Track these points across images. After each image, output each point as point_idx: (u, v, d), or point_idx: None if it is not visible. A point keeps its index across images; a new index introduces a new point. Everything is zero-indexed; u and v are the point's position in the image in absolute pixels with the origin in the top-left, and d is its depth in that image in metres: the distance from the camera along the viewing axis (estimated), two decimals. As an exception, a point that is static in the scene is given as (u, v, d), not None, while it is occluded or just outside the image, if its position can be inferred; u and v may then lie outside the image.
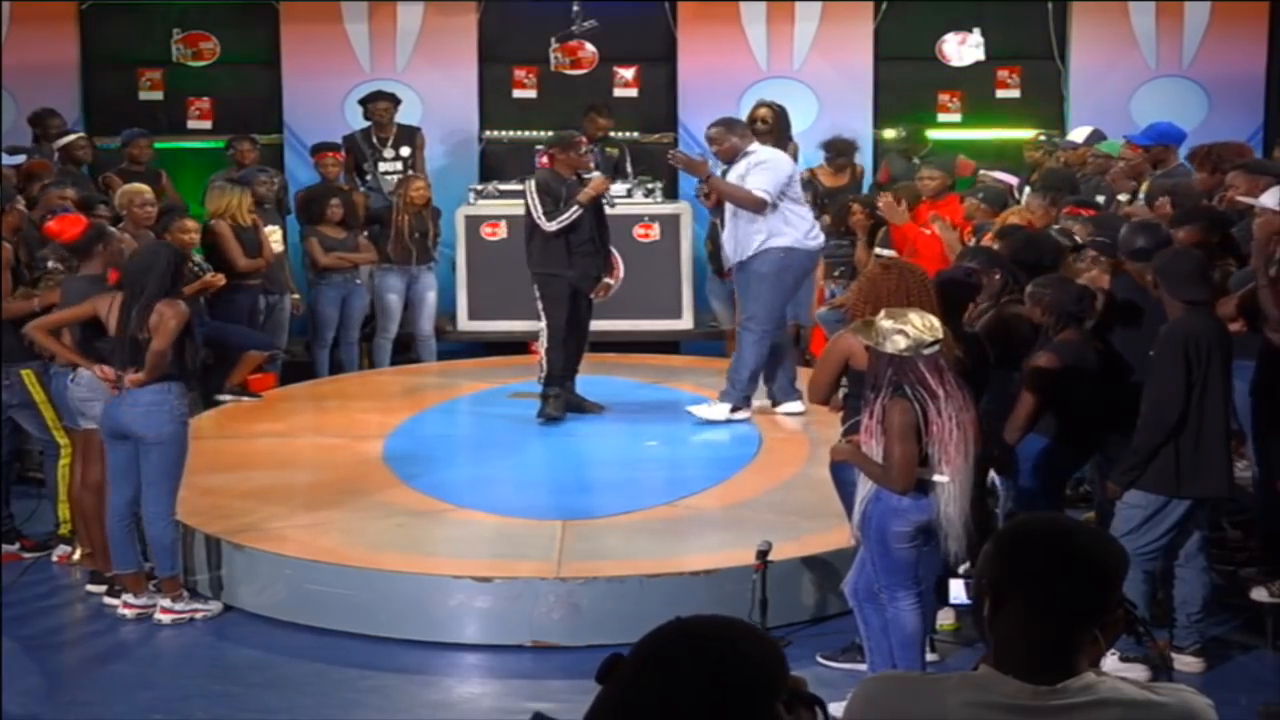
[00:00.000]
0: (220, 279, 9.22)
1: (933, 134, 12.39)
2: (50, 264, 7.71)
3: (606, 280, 9.37)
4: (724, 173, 8.97)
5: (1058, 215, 8.47)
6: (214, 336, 8.88)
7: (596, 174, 9.21)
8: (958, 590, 5.65)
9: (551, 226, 9.00)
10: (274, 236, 10.32)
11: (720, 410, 8.91)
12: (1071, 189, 9.28)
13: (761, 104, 11.70)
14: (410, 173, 11.47)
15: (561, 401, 9.15)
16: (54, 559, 7.78)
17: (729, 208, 8.94)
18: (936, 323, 5.37)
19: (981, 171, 10.59)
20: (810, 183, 11.21)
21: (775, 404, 9.18)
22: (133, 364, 6.69)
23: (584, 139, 9.45)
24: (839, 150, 11.46)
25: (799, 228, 8.89)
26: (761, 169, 8.78)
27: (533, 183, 9.16)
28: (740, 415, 8.93)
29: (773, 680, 2.14)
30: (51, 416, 7.63)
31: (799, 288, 9.31)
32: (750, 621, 6.33)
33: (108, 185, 10.42)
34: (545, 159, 11.34)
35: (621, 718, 2.13)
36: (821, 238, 9.23)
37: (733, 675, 2.11)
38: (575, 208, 8.93)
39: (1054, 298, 6.53)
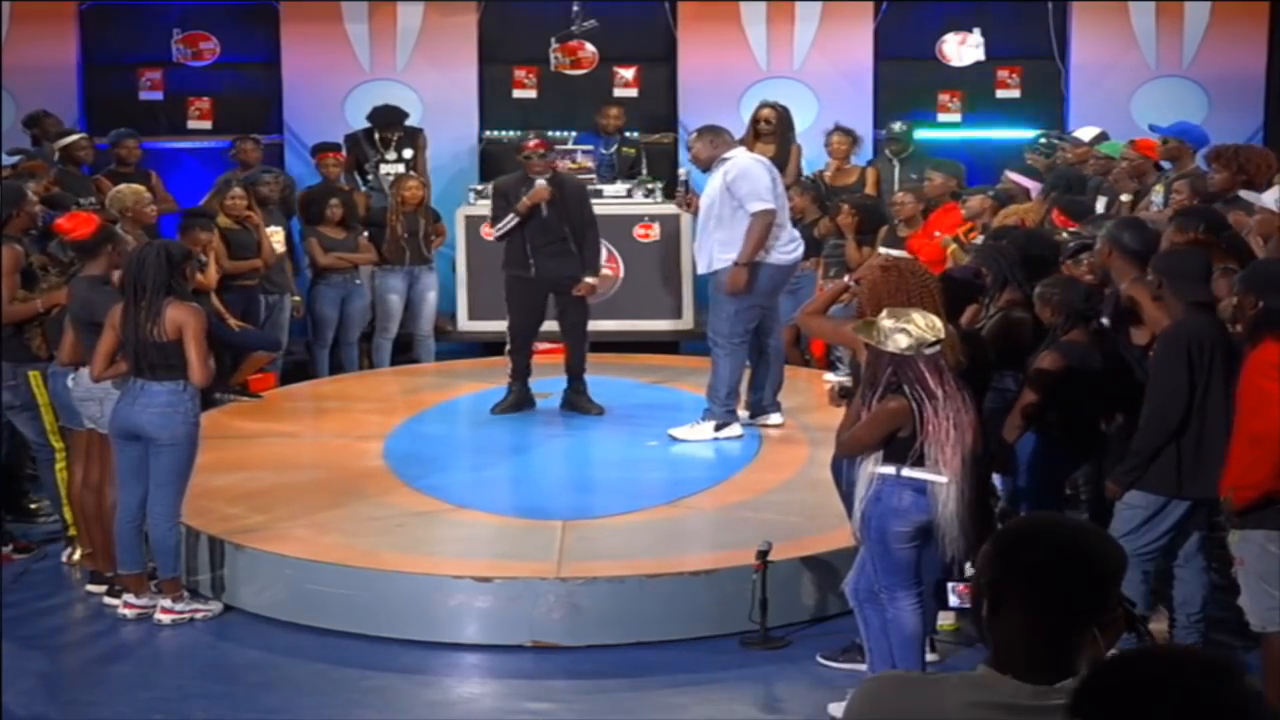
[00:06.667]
0: (209, 281, 9.21)
1: (933, 134, 12.41)
2: (31, 260, 7.70)
3: (587, 279, 9.22)
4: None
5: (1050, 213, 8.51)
6: (220, 336, 8.88)
7: (540, 181, 9.06)
8: (953, 593, 5.61)
9: (493, 234, 9.26)
10: (276, 237, 10.33)
11: (704, 430, 8.69)
12: (1079, 187, 9.27)
13: (765, 104, 11.70)
14: (409, 173, 11.48)
15: (508, 402, 9.33)
16: (65, 560, 7.75)
17: (701, 215, 8.77)
18: (939, 323, 5.37)
19: (1007, 172, 10.53)
20: (815, 183, 11.21)
21: (754, 416, 8.95)
22: (152, 367, 6.69)
23: (533, 144, 9.26)
24: (846, 131, 11.45)
25: (772, 240, 8.62)
26: (741, 182, 8.50)
27: (492, 186, 9.32)
28: (729, 433, 8.70)
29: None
30: (51, 420, 7.62)
31: (769, 300, 8.89)
32: (751, 622, 6.40)
33: (98, 187, 10.43)
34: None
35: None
36: (800, 250, 8.94)
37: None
38: (512, 216, 9.05)
39: (1062, 297, 6.52)
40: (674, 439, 8.72)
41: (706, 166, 8.74)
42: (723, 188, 8.58)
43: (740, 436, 8.74)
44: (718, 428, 8.71)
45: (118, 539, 6.93)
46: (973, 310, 6.81)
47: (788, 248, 8.77)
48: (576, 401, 9.36)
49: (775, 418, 8.97)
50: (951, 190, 10.05)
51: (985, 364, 6.21)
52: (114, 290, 6.94)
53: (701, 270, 8.98)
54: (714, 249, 8.67)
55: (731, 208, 8.55)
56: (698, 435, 8.69)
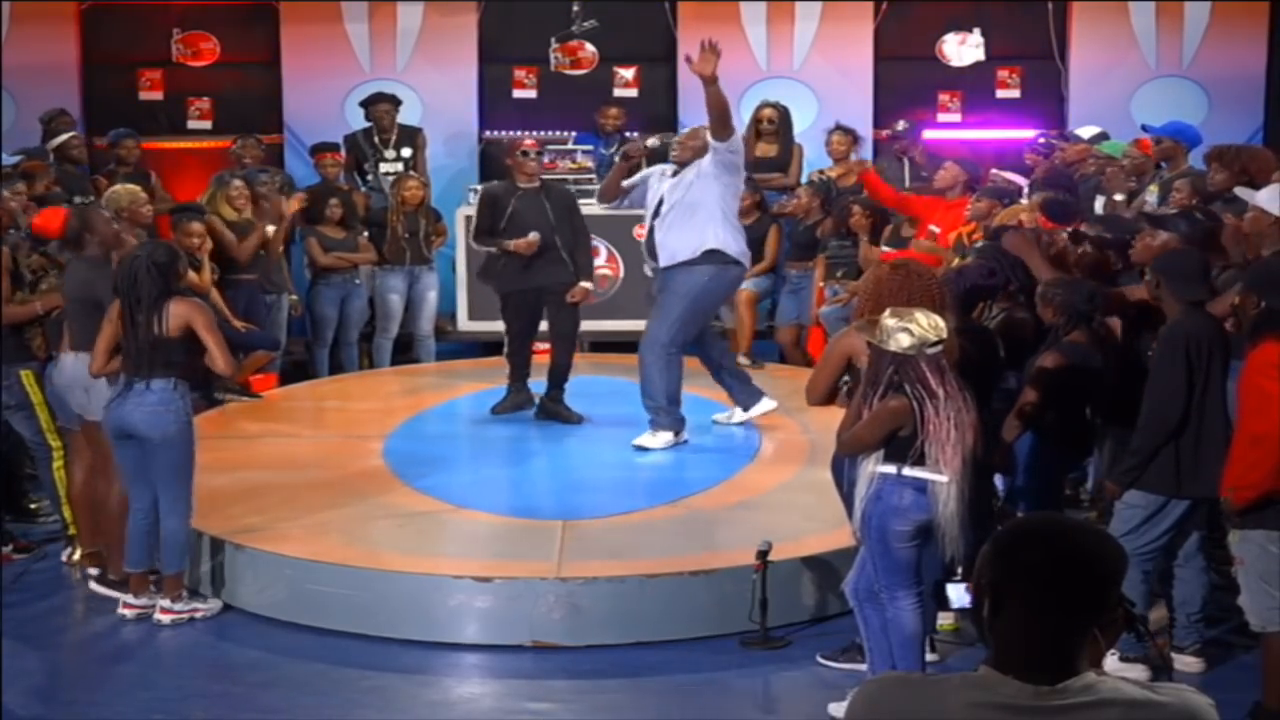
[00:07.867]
0: (204, 284, 9.21)
1: (933, 135, 12.40)
2: (31, 260, 7.69)
3: (582, 284, 9.12)
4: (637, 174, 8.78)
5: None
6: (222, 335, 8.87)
7: (534, 234, 8.94)
8: (957, 595, 5.63)
9: (475, 245, 9.35)
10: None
11: (662, 438, 8.52)
12: (1070, 187, 9.26)
13: (766, 104, 11.70)
14: (409, 173, 11.49)
15: (508, 403, 9.32)
16: (65, 560, 7.76)
17: (665, 208, 8.38)
18: (941, 323, 5.37)
19: (994, 171, 10.56)
20: (827, 183, 11.20)
21: (746, 409, 8.85)
22: (149, 367, 6.69)
23: (525, 144, 9.22)
24: (846, 131, 11.44)
25: (738, 240, 8.47)
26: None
27: (480, 192, 9.34)
28: (683, 438, 8.58)
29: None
30: (46, 419, 7.62)
31: (715, 310, 8.69)
32: (751, 622, 6.40)
33: (96, 187, 10.43)
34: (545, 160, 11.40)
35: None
36: (743, 271, 8.72)
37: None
38: (491, 250, 9.13)
39: (1065, 298, 6.52)
40: (641, 449, 8.52)
41: (692, 158, 8.35)
42: (696, 176, 8.29)
43: (685, 442, 8.60)
44: (676, 434, 8.56)
45: (129, 537, 6.92)
46: (981, 310, 6.81)
47: (744, 254, 8.56)
48: (553, 410, 9.18)
49: (766, 403, 8.86)
50: (963, 182, 10.02)
51: (996, 362, 6.21)
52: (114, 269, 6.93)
53: (663, 263, 8.49)
54: (684, 240, 8.34)
55: (693, 204, 8.28)
56: (657, 443, 8.51)
